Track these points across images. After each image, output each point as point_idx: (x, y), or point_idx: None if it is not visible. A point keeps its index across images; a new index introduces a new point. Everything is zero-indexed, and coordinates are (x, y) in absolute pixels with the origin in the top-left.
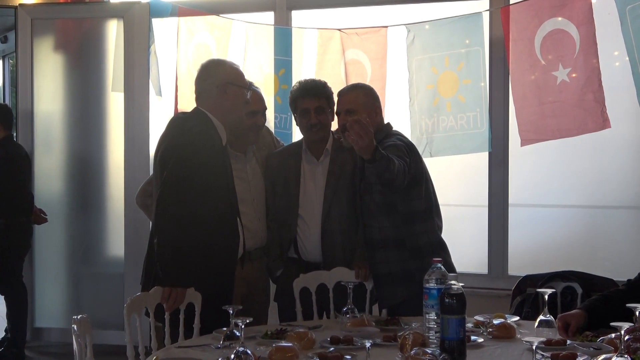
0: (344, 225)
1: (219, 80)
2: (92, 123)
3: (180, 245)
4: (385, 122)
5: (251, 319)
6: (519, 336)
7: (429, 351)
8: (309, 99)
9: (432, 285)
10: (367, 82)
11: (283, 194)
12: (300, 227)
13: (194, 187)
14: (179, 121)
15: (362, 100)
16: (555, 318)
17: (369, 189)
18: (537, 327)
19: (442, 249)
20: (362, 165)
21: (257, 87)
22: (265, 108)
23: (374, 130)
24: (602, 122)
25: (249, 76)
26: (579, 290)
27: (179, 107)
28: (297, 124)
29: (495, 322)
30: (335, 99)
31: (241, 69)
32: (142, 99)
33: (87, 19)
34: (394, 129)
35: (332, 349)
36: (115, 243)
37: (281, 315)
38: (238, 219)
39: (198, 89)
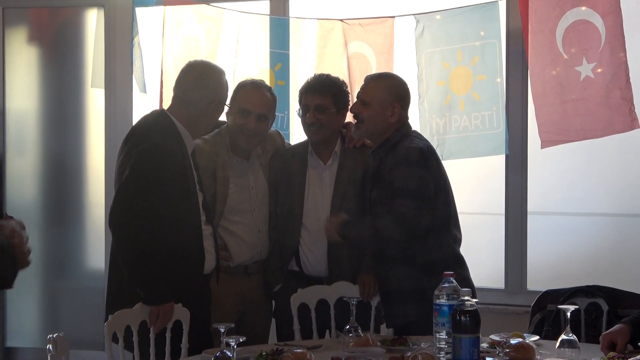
0: None
1: (216, 98)
2: (69, 122)
3: (149, 260)
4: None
5: (244, 338)
6: (538, 357)
7: None
8: (310, 95)
9: (443, 301)
10: None
11: (285, 199)
12: (303, 238)
13: (148, 204)
14: (140, 135)
15: (380, 96)
16: (578, 337)
17: (381, 200)
18: (558, 347)
19: (458, 264)
20: (375, 172)
21: (269, 90)
22: (265, 114)
23: (384, 130)
24: (630, 122)
25: (242, 71)
26: (605, 307)
27: (164, 105)
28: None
29: (513, 341)
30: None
31: (233, 63)
32: (124, 95)
33: (64, 7)
34: (406, 129)
35: None
36: (95, 254)
37: (279, 334)
38: (212, 231)
39: (184, 96)
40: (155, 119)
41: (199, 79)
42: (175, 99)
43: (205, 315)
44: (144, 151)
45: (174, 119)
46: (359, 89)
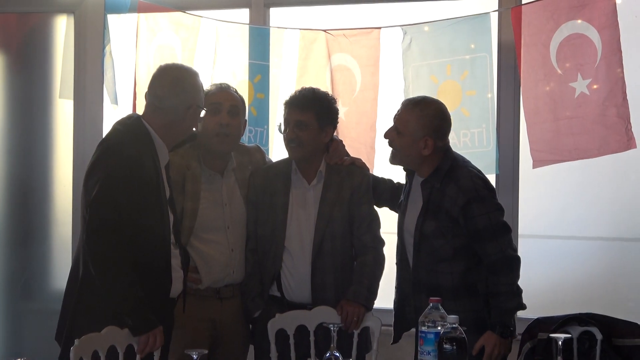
0: (338, 261)
1: (194, 102)
2: (35, 135)
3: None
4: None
5: None
6: None
7: None
8: (292, 109)
9: (429, 328)
10: (356, 92)
11: (267, 220)
12: (285, 262)
13: (123, 225)
14: (113, 145)
15: (413, 127)
16: None
17: (443, 233)
18: None
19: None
20: (427, 202)
21: (235, 91)
22: (237, 105)
23: (420, 161)
24: (627, 142)
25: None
26: (599, 336)
27: None
28: None
29: None
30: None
31: (210, 74)
32: (94, 107)
33: (31, 13)
34: (452, 153)
35: None
36: (61, 275)
37: None
38: (180, 251)
39: (160, 103)
40: (129, 128)
41: (174, 84)
42: (149, 106)
43: (165, 344)
44: (116, 166)
45: (150, 128)
46: (341, 104)
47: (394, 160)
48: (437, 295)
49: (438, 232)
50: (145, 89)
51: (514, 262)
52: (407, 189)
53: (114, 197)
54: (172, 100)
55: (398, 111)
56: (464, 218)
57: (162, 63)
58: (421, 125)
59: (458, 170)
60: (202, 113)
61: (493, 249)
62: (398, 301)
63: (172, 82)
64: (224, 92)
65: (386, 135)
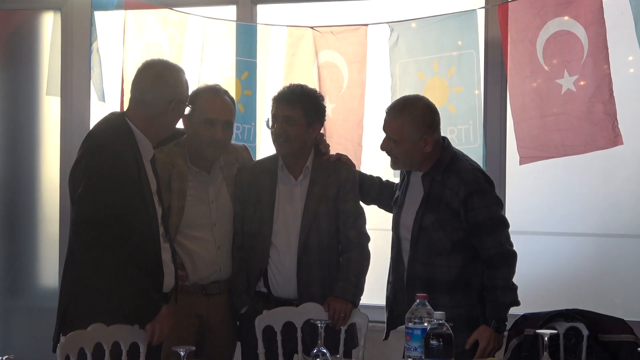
0: (324, 257)
1: (175, 96)
2: (22, 132)
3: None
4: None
5: None
6: None
7: None
8: (280, 105)
9: (416, 324)
10: (344, 89)
11: (254, 217)
12: (272, 258)
13: (112, 220)
14: (95, 142)
15: (408, 132)
16: None
17: (442, 225)
18: None
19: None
20: (428, 195)
21: (226, 94)
22: (230, 120)
23: (423, 159)
24: (614, 138)
25: (207, 80)
26: (585, 332)
27: None
28: None
29: None
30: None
31: (198, 71)
32: (81, 104)
33: (17, 10)
34: (451, 147)
35: None
36: (48, 272)
37: (244, 358)
38: (170, 247)
39: (142, 96)
40: (111, 124)
41: (156, 78)
42: (132, 100)
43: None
44: (99, 163)
45: (132, 124)
46: (328, 101)
47: (396, 166)
48: (433, 289)
49: (437, 225)
50: None
51: (512, 257)
52: (405, 184)
53: (100, 194)
54: (153, 94)
55: (386, 121)
56: (464, 210)
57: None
58: (415, 128)
59: (459, 163)
60: (187, 110)
61: (492, 243)
62: (391, 297)
63: (155, 75)
64: (219, 104)
65: (383, 147)
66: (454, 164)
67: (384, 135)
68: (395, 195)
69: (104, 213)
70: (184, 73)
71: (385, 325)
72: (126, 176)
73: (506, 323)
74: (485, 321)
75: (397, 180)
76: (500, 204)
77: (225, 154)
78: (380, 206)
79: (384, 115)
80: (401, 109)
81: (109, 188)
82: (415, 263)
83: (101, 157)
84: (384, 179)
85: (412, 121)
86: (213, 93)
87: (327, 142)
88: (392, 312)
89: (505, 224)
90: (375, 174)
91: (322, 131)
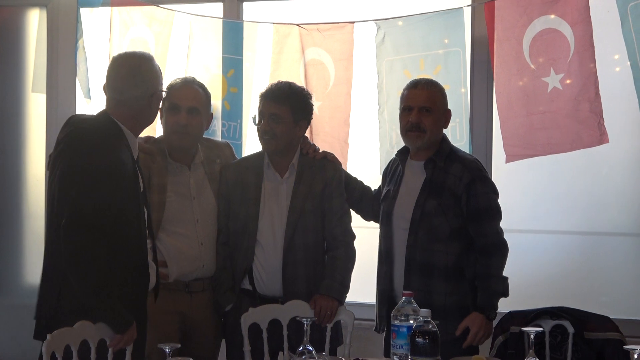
0: (310, 255)
1: (155, 88)
2: (7, 129)
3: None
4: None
5: None
6: None
7: None
8: (267, 102)
9: (402, 322)
10: (330, 86)
11: (239, 214)
12: (257, 256)
13: (99, 218)
14: (79, 138)
15: (441, 101)
16: None
17: (445, 212)
18: None
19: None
20: (429, 181)
21: (198, 84)
22: (196, 107)
23: (438, 140)
24: (599, 137)
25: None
26: (571, 330)
27: None
28: None
29: None
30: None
31: (184, 68)
32: (67, 101)
33: (3, 7)
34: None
35: None
36: (33, 269)
37: (229, 355)
38: (152, 245)
39: (121, 96)
40: (100, 123)
41: (132, 75)
42: (110, 100)
43: (141, 338)
44: (100, 162)
45: (120, 123)
46: (315, 98)
47: (420, 141)
48: (430, 274)
49: (439, 210)
50: None
51: (505, 248)
52: (399, 176)
53: (97, 196)
54: (133, 92)
55: (417, 93)
56: (467, 195)
57: None
58: (444, 100)
59: (459, 152)
60: (164, 94)
61: (490, 230)
62: (380, 292)
63: (130, 72)
64: (185, 90)
65: (414, 119)
66: (454, 153)
67: (373, 132)
68: (386, 190)
69: (101, 216)
70: (154, 60)
71: (377, 319)
72: (121, 176)
73: (497, 312)
74: (477, 308)
75: (375, 187)
76: (497, 193)
77: (205, 148)
78: (359, 210)
79: (407, 91)
80: (430, 82)
81: (109, 189)
82: (415, 249)
83: (101, 157)
84: (365, 185)
85: (441, 93)
86: (184, 82)
87: (313, 140)
88: (382, 307)
89: (500, 214)
90: (361, 171)
91: (308, 129)
